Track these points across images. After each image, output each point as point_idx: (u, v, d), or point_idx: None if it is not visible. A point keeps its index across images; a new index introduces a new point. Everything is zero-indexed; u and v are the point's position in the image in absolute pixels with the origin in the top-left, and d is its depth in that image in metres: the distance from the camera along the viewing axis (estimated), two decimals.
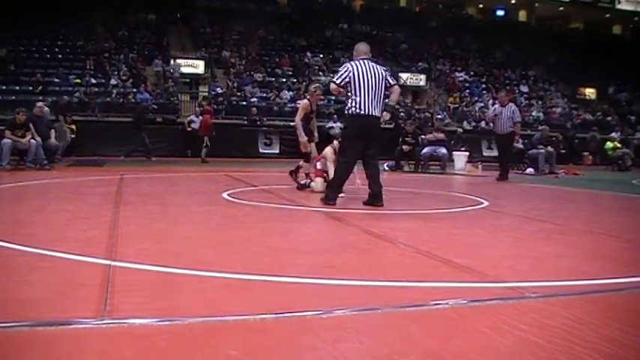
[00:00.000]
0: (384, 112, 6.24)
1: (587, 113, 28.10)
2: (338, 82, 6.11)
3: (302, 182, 8.00)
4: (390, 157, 15.32)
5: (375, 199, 6.18)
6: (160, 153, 17.99)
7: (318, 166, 7.76)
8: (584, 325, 2.33)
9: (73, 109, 18.91)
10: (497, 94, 14.20)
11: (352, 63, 6.18)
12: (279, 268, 3.18)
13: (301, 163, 8.21)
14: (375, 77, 6.08)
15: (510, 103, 11.86)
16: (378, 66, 6.20)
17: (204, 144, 16.69)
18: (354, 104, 6.04)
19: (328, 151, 7.69)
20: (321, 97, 8.15)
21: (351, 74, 6.05)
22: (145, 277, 2.93)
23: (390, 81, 6.23)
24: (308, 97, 8.22)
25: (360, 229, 4.75)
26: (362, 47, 6.34)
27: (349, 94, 6.11)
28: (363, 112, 6.01)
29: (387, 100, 6.37)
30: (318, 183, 7.59)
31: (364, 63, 6.13)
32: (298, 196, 7.13)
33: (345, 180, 6.29)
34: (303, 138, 7.70)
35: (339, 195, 6.37)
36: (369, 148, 6.18)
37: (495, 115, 11.63)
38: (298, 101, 6.84)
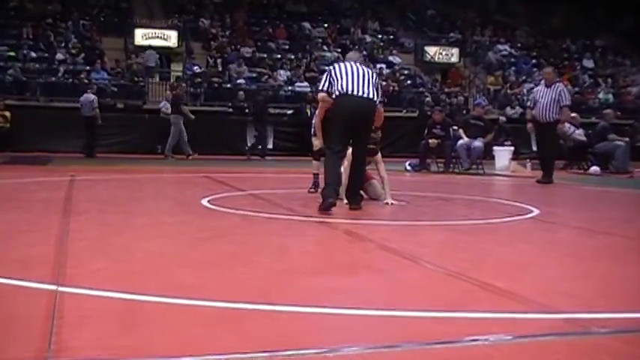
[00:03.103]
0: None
1: None
2: (321, 87, 6.80)
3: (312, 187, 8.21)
4: (413, 153, 15.34)
5: (351, 197, 6.70)
6: (120, 148, 18.05)
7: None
8: None
9: (5, 90, 18.97)
10: (543, 70, 14.07)
11: (336, 65, 6.88)
12: (274, 294, 3.18)
13: (314, 163, 8.37)
14: (360, 73, 6.61)
15: (558, 83, 11.70)
16: (368, 69, 6.81)
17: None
18: (337, 88, 6.59)
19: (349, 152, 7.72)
20: None
21: (332, 72, 6.69)
22: (103, 306, 2.93)
23: (376, 94, 6.68)
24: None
25: (375, 245, 4.74)
26: (352, 55, 7.27)
27: (333, 95, 6.64)
28: (349, 92, 6.49)
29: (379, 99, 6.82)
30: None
31: (349, 64, 6.75)
32: (297, 204, 7.15)
33: (336, 178, 6.46)
34: (320, 141, 7.64)
35: (336, 199, 6.35)
36: (357, 138, 6.64)
37: (535, 99, 11.28)
38: (320, 94, 7.10)
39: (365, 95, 6.52)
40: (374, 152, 7.55)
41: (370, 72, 6.78)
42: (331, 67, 6.87)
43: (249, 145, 18.63)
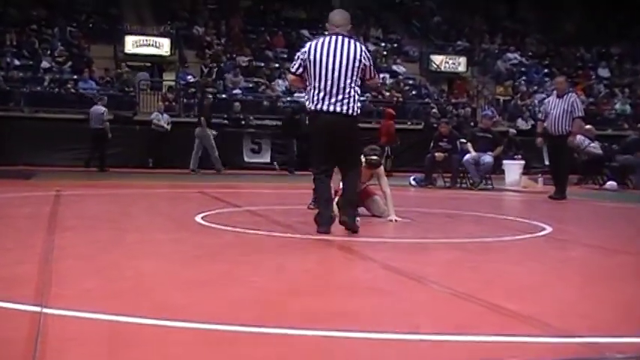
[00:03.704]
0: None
1: None
2: (293, 69, 6.24)
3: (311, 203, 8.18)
4: (418, 168, 15.34)
5: (346, 218, 6.12)
6: (110, 162, 18.05)
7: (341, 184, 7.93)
8: None
9: None
10: (555, 79, 14.11)
11: (313, 42, 6.18)
12: (269, 317, 3.17)
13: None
14: (340, 58, 5.92)
15: (571, 93, 11.72)
16: (353, 43, 6.04)
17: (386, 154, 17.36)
18: (309, 98, 6.10)
19: None
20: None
21: (305, 56, 6.03)
22: (90, 329, 2.92)
23: (369, 71, 6.12)
24: None
25: (378, 264, 4.73)
26: (335, 17, 6.21)
27: (307, 84, 6.13)
28: (319, 108, 5.98)
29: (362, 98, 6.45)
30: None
31: (330, 40, 6.00)
32: (295, 221, 7.14)
33: (327, 198, 6.18)
34: None
35: (330, 224, 6.10)
36: (341, 158, 6.13)
37: (546, 111, 11.27)
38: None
39: (338, 110, 5.92)
40: (377, 165, 7.54)
41: (352, 51, 5.95)
42: (308, 47, 6.06)
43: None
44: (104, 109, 17.83)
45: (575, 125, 11.18)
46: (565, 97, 11.20)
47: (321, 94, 5.94)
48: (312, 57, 5.97)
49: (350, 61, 5.94)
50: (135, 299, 3.46)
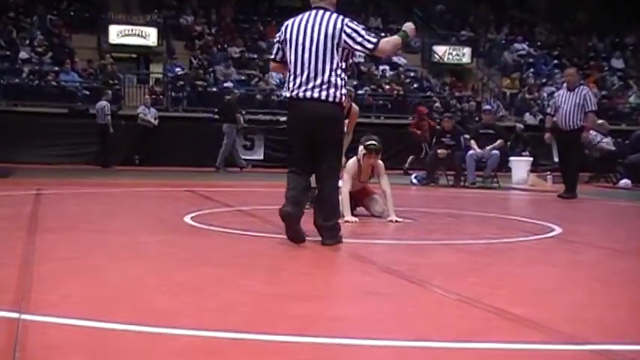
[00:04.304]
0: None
1: None
2: (272, 55, 5.81)
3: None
4: (419, 165, 15.34)
5: (323, 233, 5.50)
6: (93, 159, 18.09)
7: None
8: None
9: None
10: (565, 71, 14.16)
11: (290, 20, 5.67)
12: (263, 323, 3.17)
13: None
14: (318, 35, 5.38)
15: (582, 86, 11.73)
16: (331, 17, 5.47)
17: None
18: (285, 85, 5.62)
19: (350, 162, 7.65)
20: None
21: (282, 36, 5.58)
22: (71, 336, 2.91)
23: (356, 45, 5.42)
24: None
25: (378, 267, 4.73)
26: None
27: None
28: (294, 95, 5.43)
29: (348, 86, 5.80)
30: None
31: (308, 16, 5.51)
32: None
33: (295, 200, 5.40)
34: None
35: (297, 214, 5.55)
36: (319, 155, 5.46)
37: (556, 105, 11.33)
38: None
39: (316, 96, 5.34)
40: (378, 150, 7.34)
41: (332, 31, 5.37)
42: (284, 27, 5.60)
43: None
44: (106, 103, 18.18)
45: (589, 120, 11.20)
46: (576, 90, 11.22)
47: (297, 80, 5.40)
48: (287, 37, 5.51)
49: (328, 38, 5.35)
50: (119, 305, 3.45)
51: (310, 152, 5.47)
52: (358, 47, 5.47)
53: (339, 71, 5.41)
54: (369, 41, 5.46)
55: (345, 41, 5.38)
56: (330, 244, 5.39)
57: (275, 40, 5.78)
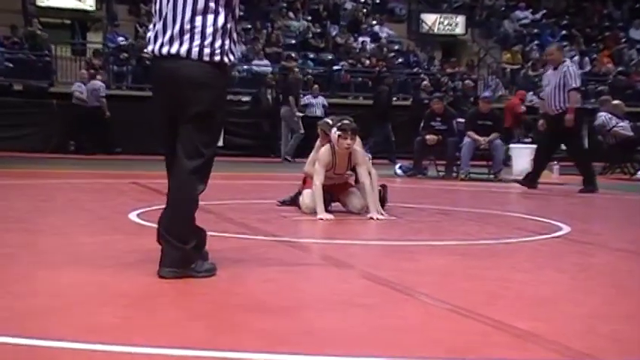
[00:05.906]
0: None
1: None
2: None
3: (283, 198, 8.27)
4: (405, 153, 15.36)
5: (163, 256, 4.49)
6: (19, 145, 17.91)
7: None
8: None
9: None
10: (546, 49, 14.19)
11: None
12: (224, 338, 3.17)
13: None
14: None
15: (565, 63, 11.76)
16: None
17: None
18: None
19: (323, 149, 7.61)
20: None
21: None
22: None
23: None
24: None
25: (357, 272, 4.73)
26: None
27: None
28: (153, 50, 4.55)
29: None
30: (306, 197, 7.64)
31: None
32: (256, 219, 7.14)
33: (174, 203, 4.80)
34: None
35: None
36: (178, 133, 4.58)
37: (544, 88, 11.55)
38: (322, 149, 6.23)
39: (174, 52, 4.40)
40: (354, 131, 7.31)
41: None
42: None
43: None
44: (100, 83, 18.64)
45: (571, 99, 11.23)
46: (559, 67, 11.41)
47: (156, 29, 4.52)
48: None
49: None
50: (52, 319, 3.41)
51: (172, 133, 4.64)
52: None
53: (216, 18, 4.40)
54: None
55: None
56: (166, 277, 4.29)
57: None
